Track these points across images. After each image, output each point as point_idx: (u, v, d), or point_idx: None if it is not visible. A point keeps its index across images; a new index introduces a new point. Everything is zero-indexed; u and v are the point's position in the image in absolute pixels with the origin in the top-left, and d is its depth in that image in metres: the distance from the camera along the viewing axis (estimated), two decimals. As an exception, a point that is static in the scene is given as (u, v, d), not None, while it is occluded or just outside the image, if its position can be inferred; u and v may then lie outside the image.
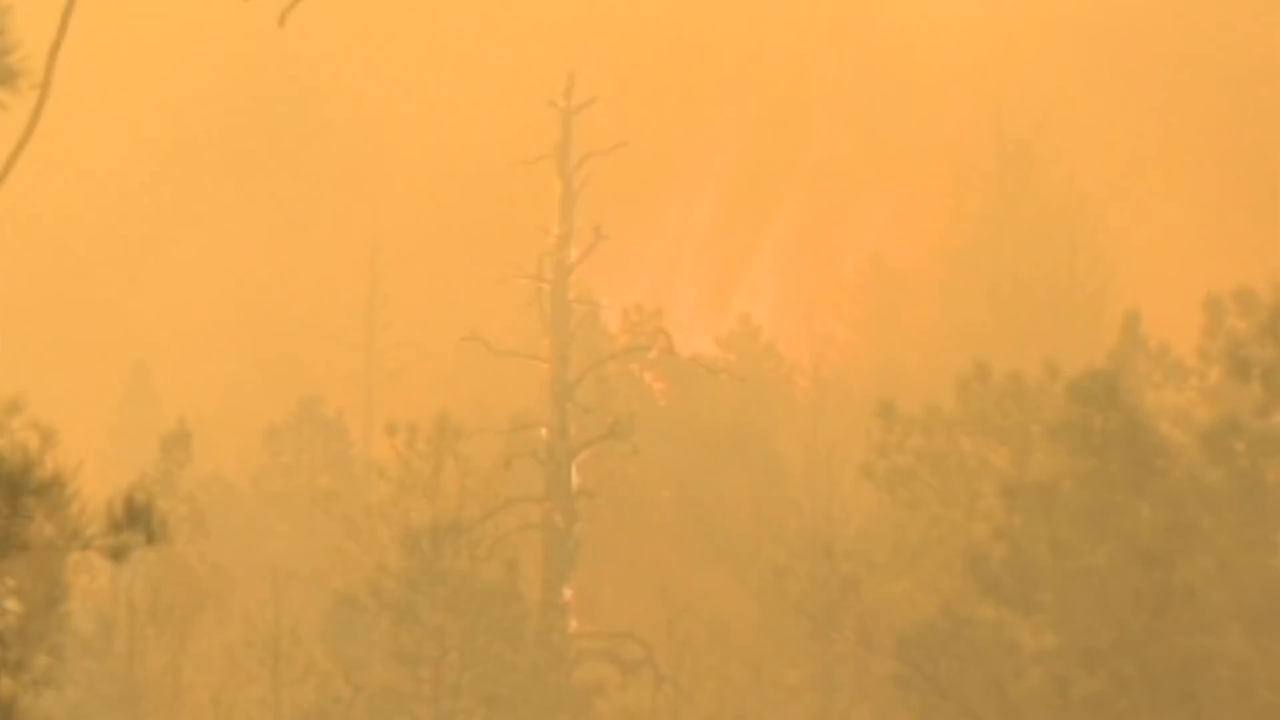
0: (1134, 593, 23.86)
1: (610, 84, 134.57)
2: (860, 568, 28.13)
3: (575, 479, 56.41)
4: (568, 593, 36.75)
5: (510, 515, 33.67)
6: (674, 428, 72.58)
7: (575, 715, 32.67)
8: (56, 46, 3.21)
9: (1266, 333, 29.12)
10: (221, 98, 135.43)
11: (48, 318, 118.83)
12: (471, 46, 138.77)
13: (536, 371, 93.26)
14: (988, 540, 28.10)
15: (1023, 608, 25.67)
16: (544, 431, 60.44)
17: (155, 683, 36.47)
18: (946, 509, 28.80)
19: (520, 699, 32.20)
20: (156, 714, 36.17)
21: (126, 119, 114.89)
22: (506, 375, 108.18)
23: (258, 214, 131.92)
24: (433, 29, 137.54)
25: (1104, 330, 79.46)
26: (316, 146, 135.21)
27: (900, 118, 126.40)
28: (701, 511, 61.05)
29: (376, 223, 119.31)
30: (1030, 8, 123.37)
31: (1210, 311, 34.17)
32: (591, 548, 54.47)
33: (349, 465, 78.24)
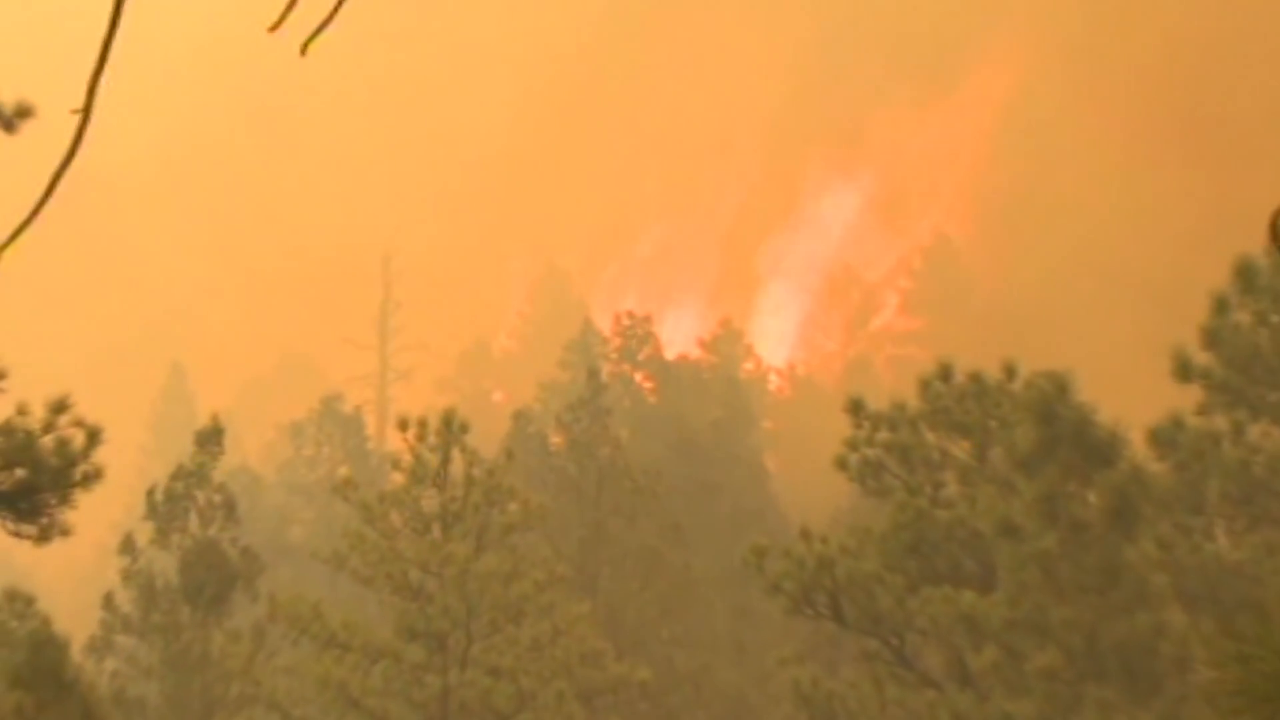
0: (1082, 574, 23.84)
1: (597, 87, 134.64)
2: (833, 550, 28.04)
3: (570, 469, 56.49)
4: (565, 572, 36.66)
5: (512, 502, 33.58)
6: (661, 422, 72.64)
7: (571, 684, 32.62)
8: (98, 74, 3.21)
9: (1206, 339, 29.18)
10: (241, 119, 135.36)
11: (93, 324, 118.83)
12: (475, 55, 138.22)
13: (535, 371, 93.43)
14: (949, 525, 28.11)
15: (981, 587, 25.67)
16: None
17: (189, 654, 36.46)
18: (912, 497, 28.73)
19: (521, 670, 32.19)
20: (190, 683, 36.13)
21: (144, 128, 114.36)
22: (506, 375, 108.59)
23: (279, 229, 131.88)
24: (437, 41, 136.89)
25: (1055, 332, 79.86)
26: (330, 162, 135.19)
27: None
28: (687, 499, 61.07)
29: (388, 235, 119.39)
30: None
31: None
32: (588, 533, 54.50)
33: (365, 457, 78.33)
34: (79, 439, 15.28)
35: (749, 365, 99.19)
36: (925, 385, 29.74)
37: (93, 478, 15.27)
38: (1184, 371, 29.13)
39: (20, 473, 15.04)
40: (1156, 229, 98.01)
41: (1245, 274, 29.12)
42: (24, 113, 15.58)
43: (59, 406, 15.30)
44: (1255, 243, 29.02)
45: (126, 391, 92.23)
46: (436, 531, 32.94)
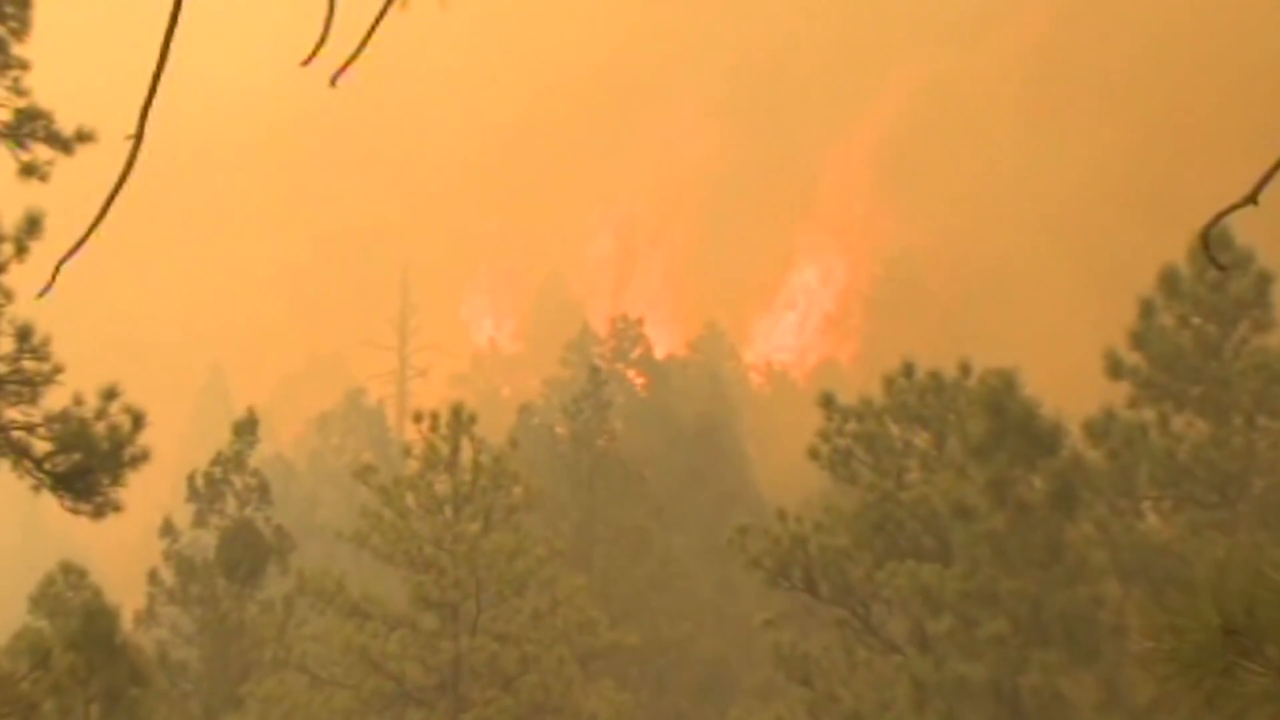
0: (1028, 550, 23.87)
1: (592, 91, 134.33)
2: (806, 529, 28.04)
3: (569, 457, 56.46)
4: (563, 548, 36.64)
5: (516, 486, 33.56)
6: (651, 415, 72.61)
7: (569, 648, 32.61)
8: (148, 104, 3.21)
9: (1134, 341, 29.23)
10: (272, 139, 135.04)
11: (137, 326, 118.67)
12: (482, 63, 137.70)
13: (539, 368, 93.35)
14: (911, 506, 28.13)
15: (938, 561, 25.68)
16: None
17: (226, 623, 36.42)
18: (877, 481, 28.73)
19: (525, 636, 32.19)
20: (227, 649, 36.11)
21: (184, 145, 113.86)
22: (513, 373, 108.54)
23: (307, 240, 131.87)
24: (446, 60, 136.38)
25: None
26: (356, 175, 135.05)
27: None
28: (674, 484, 61.07)
29: (405, 243, 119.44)
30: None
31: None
32: (584, 514, 54.50)
33: (385, 446, 78.27)
34: (127, 424, 15.26)
35: (731, 364, 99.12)
36: (889, 382, 29.76)
37: (140, 459, 15.25)
38: (1115, 369, 29.20)
39: (76, 456, 15.02)
40: (1099, 243, 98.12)
41: (1170, 281, 29.21)
42: (83, 137, 15.57)
43: (109, 394, 15.29)
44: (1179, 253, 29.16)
45: (168, 389, 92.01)
46: (448, 512, 32.90)
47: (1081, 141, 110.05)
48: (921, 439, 29.35)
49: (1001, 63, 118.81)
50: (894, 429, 29.54)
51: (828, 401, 30.38)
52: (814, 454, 30.09)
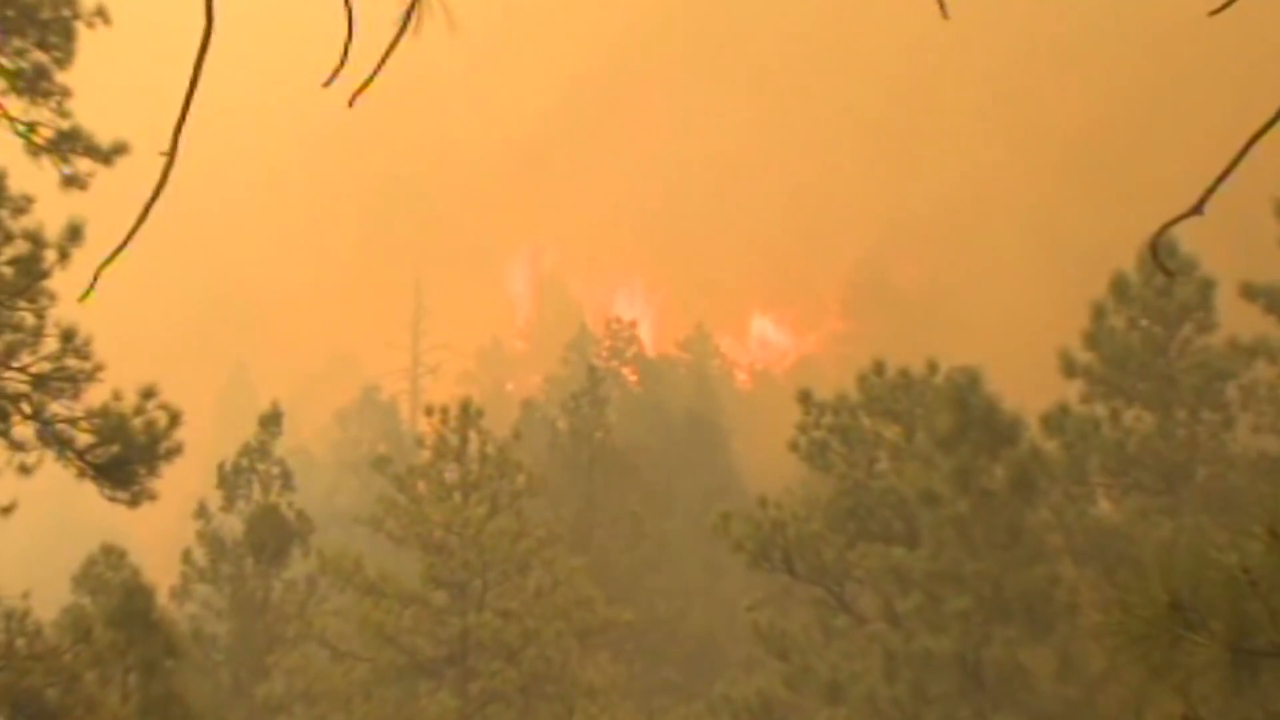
0: (990, 533, 23.88)
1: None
2: (785, 515, 28.03)
3: (569, 448, 56.46)
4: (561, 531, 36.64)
5: (519, 474, 33.55)
6: (644, 410, 72.62)
7: (568, 624, 32.61)
8: (180, 124, 3.21)
9: (1087, 341, 29.30)
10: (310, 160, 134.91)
11: (164, 327, 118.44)
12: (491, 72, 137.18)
13: (540, 367, 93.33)
14: (881, 494, 28.15)
15: (907, 544, 25.68)
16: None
17: (253, 600, 36.39)
18: (851, 470, 28.72)
19: (527, 612, 32.17)
20: (254, 623, 36.08)
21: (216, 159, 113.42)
22: (517, 370, 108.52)
23: (328, 249, 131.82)
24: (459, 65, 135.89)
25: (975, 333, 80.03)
26: (371, 191, 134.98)
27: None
28: (665, 473, 61.07)
29: (417, 252, 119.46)
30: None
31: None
32: (582, 500, 54.48)
33: (399, 438, 78.18)
34: (163, 421, 15.26)
35: (717, 362, 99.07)
36: (862, 379, 29.78)
37: (174, 452, 15.25)
38: (1070, 368, 29.28)
39: (115, 448, 15.01)
40: (1055, 248, 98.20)
41: (1119, 287, 29.29)
42: (120, 149, 15.56)
43: (147, 394, 15.29)
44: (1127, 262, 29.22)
45: (194, 384, 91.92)
46: (457, 498, 32.89)
47: (1047, 146, 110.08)
48: (892, 431, 29.36)
49: (973, 65, 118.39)
50: (866, 422, 29.55)
51: (805, 397, 30.41)
52: (793, 446, 30.11)
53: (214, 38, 3.15)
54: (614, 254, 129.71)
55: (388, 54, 3.15)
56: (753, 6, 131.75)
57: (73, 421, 15.19)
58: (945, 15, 3.22)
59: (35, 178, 15.52)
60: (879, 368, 29.74)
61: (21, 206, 15.49)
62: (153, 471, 15.04)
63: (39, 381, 15.22)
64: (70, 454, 15.07)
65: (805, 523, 28.10)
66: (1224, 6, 3.17)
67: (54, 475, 15.48)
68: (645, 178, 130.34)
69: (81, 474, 15.14)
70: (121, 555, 34.16)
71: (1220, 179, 3.23)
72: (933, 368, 29.06)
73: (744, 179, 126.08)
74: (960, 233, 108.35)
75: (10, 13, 15.10)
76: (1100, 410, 29.10)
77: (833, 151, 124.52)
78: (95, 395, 15.31)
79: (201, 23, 3.15)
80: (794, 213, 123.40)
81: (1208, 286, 29.09)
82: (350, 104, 3.27)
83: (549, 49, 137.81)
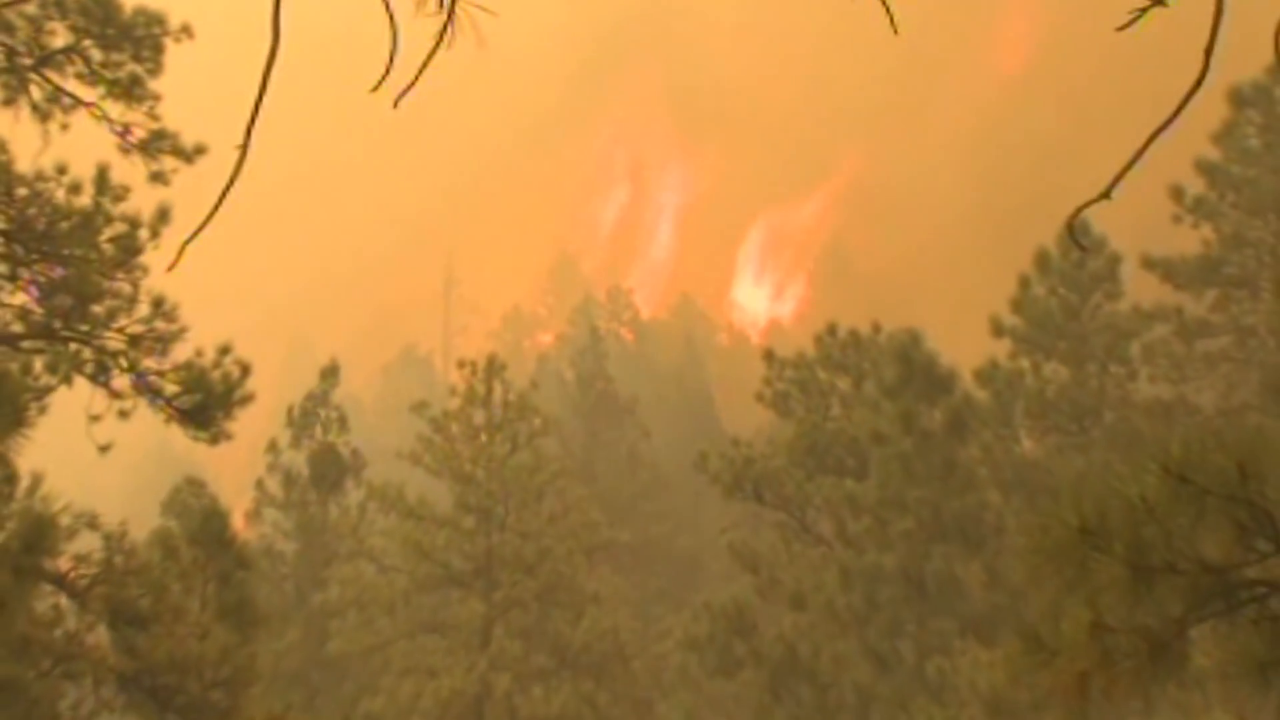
0: (929, 467, 23.92)
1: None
2: (755, 453, 28.06)
3: (576, 395, 56.51)
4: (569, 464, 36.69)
5: (536, 418, 33.56)
6: (639, 364, 72.66)
7: (576, 543, 32.68)
8: (253, 121, 3.19)
9: (1014, 307, 29.27)
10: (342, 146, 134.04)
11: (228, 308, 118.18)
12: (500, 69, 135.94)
13: (553, 327, 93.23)
14: (835, 434, 28.18)
15: (858, 476, 25.73)
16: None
17: (314, 522, 36.47)
18: (809, 415, 28.74)
19: (542, 534, 32.23)
20: (315, 542, 36.17)
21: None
22: (534, 330, 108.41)
23: (375, 226, 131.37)
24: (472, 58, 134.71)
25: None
26: (411, 176, 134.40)
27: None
28: (658, 417, 61.15)
29: (450, 227, 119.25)
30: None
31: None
32: (588, 439, 54.57)
33: (434, 388, 78.18)
34: (236, 372, 15.27)
35: (701, 325, 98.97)
36: (818, 339, 29.79)
37: (247, 399, 15.25)
38: (998, 329, 29.28)
39: (197, 396, 15.02)
40: (985, 228, 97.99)
41: (1042, 260, 29.27)
42: (200, 150, 15.50)
43: (224, 350, 15.31)
44: (1049, 236, 29.17)
45: (266, 340, 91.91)
46: (483, 438, 32.89)
47: (991, 149, 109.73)
48: (843, 383, 29.40)
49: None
50: (822, 375, 29.59)
51: (769, 355, 30.51)
52: (759, 396, 30.18)
53: (280, 50, 3.14)
54: (617, 232, 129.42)
55: (427, 62, 3.14)
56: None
57: (162, 374, 15.20)
58: (895, 31, 3.20)
59: (130, 170, 15.51)
60: (831, 329, 29.75)
61: (120, 195, 15.48)
62: (228, 415, 15.06)
63: (134, 340, 15.23)
64: (160, 401, 15.09)
65: (771, 459, 28.17)
66: (1129, 24, 3.16)
67: (146, 419, 15.51)
68: (642, 169, 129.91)
69: (169, 418, 15.16)
70: (202, 485, 34.18)
71: (1125, 170, 3.22)
72: (876, 329, 29.07)
73: (738, 176, 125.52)
74: (911, 215, 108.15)
75: (110, 31, 15.05)
76: (1024, 364, 29.12)
77: (807, 142, 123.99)
78: (181, 352, 15.34)
79: (269, 39, 3.14)
80: (771, 202, 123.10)
81: (1115, 261, 29.12)
82: (395, 105, 3.25)
83: (549, 49, 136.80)
